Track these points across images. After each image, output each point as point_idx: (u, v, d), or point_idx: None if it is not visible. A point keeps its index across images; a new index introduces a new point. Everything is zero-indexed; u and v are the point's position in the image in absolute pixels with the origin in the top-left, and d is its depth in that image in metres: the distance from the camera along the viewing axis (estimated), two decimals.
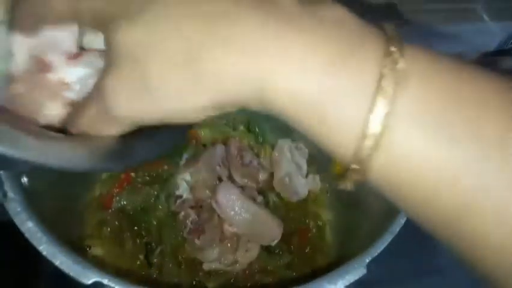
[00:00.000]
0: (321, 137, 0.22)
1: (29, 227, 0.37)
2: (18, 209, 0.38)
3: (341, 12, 0.22)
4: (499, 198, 0.20)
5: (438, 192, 0.20)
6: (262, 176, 0.64)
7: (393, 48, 0.20)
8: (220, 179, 0.61)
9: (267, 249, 0.59)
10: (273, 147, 0.68)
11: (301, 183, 0.65)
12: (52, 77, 0.24)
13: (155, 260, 0.57)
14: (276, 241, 0.58)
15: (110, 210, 0.59)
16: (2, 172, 0.39)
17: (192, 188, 0.60)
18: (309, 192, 0.66)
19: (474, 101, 0.20)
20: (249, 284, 0.57)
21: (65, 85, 0.24)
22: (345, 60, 0.20)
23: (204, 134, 0.69)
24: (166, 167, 0.63)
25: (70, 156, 0.23)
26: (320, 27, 0.21)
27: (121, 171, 0.61)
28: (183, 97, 0.22)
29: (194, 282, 0.56)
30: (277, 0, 0.21)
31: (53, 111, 0.25)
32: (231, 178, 0.61)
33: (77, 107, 0.25)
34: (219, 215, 0.57)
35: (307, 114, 0.21)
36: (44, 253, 0.36)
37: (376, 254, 0.39)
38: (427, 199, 0.21)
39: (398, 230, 0.41)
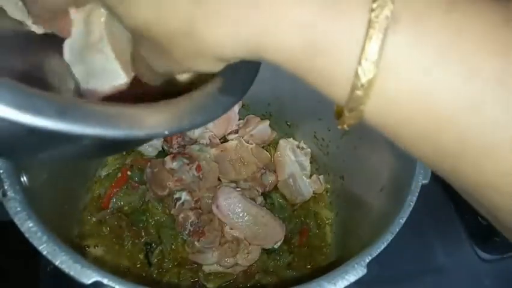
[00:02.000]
0: (317, 86, 0.22)
1: (29, 227, 0.37)
2: (18, 209, 0.38)
3: None
4: (497, 133, 0.19)
5: (439, 127, 0.20)
6: (269, 179, 0.64)
7: None
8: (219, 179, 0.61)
9: (267, 250, 0.59)
10: (274, 147, 0.67)
11: (305, 184, 0.65)
12: None
13: (155, 260, 0.57)
14: (279, 243, 0.58)
15: (108, 210, 0.59)
16: (2, 171, 0.39)
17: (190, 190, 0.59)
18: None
19: (472, 35, 0.19)
20: (249, 284, 0.57)
21: None
22: (334, 5, 0.20)
23: None
24: None
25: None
26: None
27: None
28: (192, 59, 0.24)
29: (194, 283, 0.56)
30: None
31: None
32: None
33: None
34: (219, 218, 0.57)
35: (301, 62, 0.21)
36: (44, 253, 0.36)
37: (376, 254, 0.39)
38: (427, 135, 0.21)
39: (398, 230, 0.41)
